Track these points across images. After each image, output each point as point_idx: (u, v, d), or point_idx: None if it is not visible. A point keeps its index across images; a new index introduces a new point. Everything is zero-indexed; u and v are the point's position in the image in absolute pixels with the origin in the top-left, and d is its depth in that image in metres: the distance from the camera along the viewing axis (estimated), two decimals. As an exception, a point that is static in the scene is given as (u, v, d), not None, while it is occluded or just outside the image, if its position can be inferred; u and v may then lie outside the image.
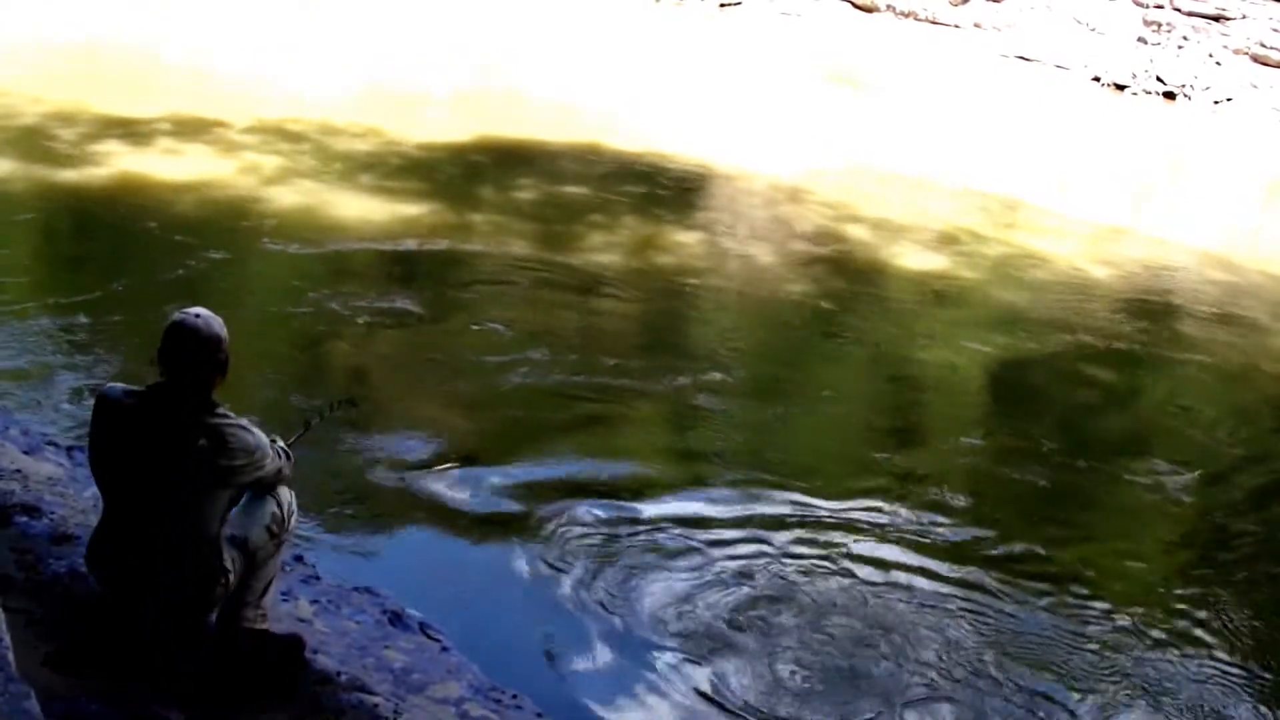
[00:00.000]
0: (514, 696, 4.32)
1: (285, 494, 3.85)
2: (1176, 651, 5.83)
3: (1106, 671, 5.55)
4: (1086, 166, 18.42)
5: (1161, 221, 15.70)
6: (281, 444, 3.88)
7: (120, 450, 3.51)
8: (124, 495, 3.53)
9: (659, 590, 5.58)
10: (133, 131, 11.63)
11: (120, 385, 3.62)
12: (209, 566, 3.52)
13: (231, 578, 3.58)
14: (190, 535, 3.48)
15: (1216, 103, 25.65)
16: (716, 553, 5.97)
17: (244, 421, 3.59)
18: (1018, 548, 6.57)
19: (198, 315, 3.54)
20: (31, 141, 10.90)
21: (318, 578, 4.72)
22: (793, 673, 5.16)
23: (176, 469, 3.45)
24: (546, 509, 6.11)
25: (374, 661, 4.12)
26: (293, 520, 3.91)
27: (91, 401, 6.29)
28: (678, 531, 6.09)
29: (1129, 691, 5.45)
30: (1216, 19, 27.75)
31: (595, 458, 6.77)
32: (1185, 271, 13.34)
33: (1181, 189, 18.29)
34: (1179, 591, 6.48)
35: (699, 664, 5.14)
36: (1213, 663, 5.78)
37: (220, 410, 3.53)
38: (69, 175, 10.18)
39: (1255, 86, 26.18)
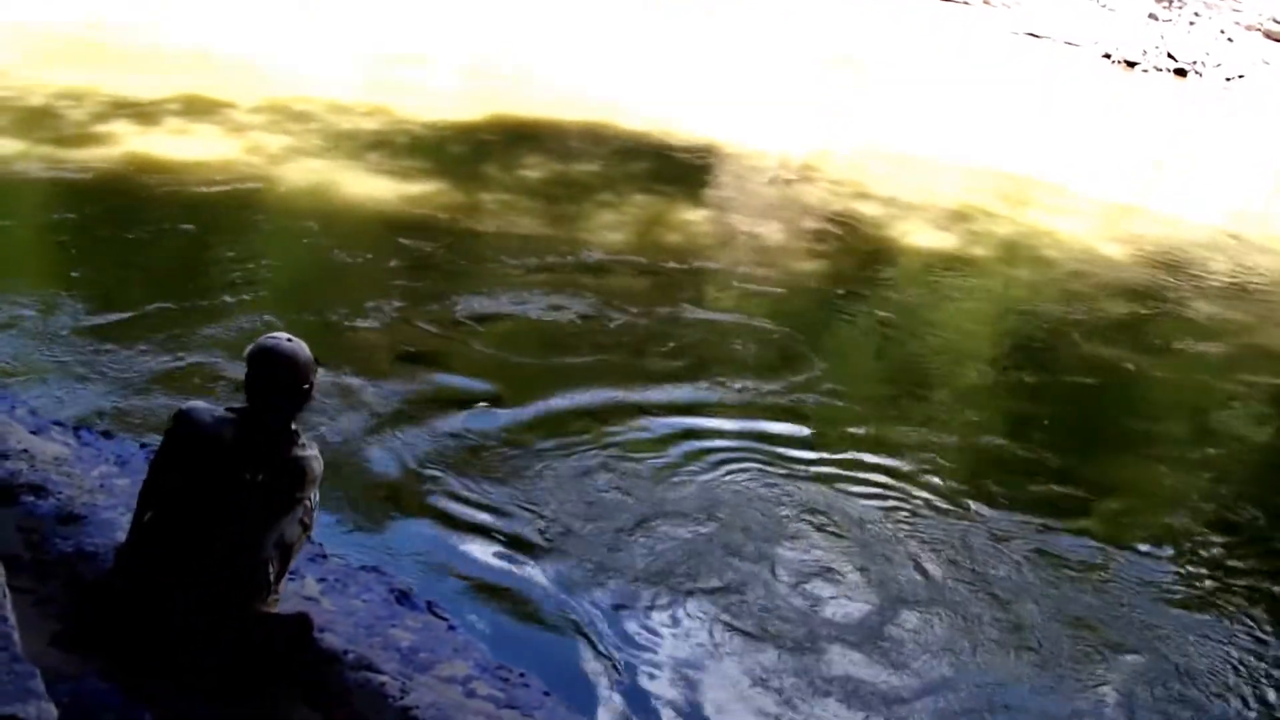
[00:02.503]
0: (521, 675, 4.31)
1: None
2: (1180, 615, 5.88)
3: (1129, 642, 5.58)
4: (1097, 144, 18.31)
5: (1172, 199, 15.62)
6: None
7: (198, 473, 3.43)
8: (185, 514, 3.45)
9: (672, 567, 5.58)
10: (141, 112, 11.62)
11: (205, 407, 3.53)
12: (256, 584, 3.51)
13: (273, 579, 3.57)
14: (246, 557, 3.47)
15: (1228, 80, 25.47)
16: (728, 528, 5.96)
17: (315, 450, 3.57)
18: (1027, 519, 6.58)
19: (289, 341, 3.48)
20: (40, 122, 10.88)
21: (324, 556, 4.71)
22: (817, 637, 5.17)
23: (254, 500, 3.41)
24: (555, 487, 6.10)
25: (381, 640, 4.10)
26: (317, 509, 3.91)
27: (100, 385, 6.40)
28: (692, 508, 6.09)
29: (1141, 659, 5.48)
30: (1229, -6, 27.56)
31: (603, 438, 6.75)
32: (1196, 250, 13.27)
33: (1193, 167, 18.18)
34: (1182, 559, 6.52)
35: (713, 638, 5.15)
36: (1222, 628, 5.81)
37: (302, 441, 3.50)
38: (78, 155, 10.17)
39: (1267, 63, 25.99)
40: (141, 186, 9.68)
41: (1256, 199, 16.76)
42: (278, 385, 3.44)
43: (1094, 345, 9.64)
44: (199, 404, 3.57)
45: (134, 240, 8.74)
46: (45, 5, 15.45)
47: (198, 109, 12.05)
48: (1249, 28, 27.00)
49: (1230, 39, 26.66)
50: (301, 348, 3.49)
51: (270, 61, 14.81)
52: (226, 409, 3.53)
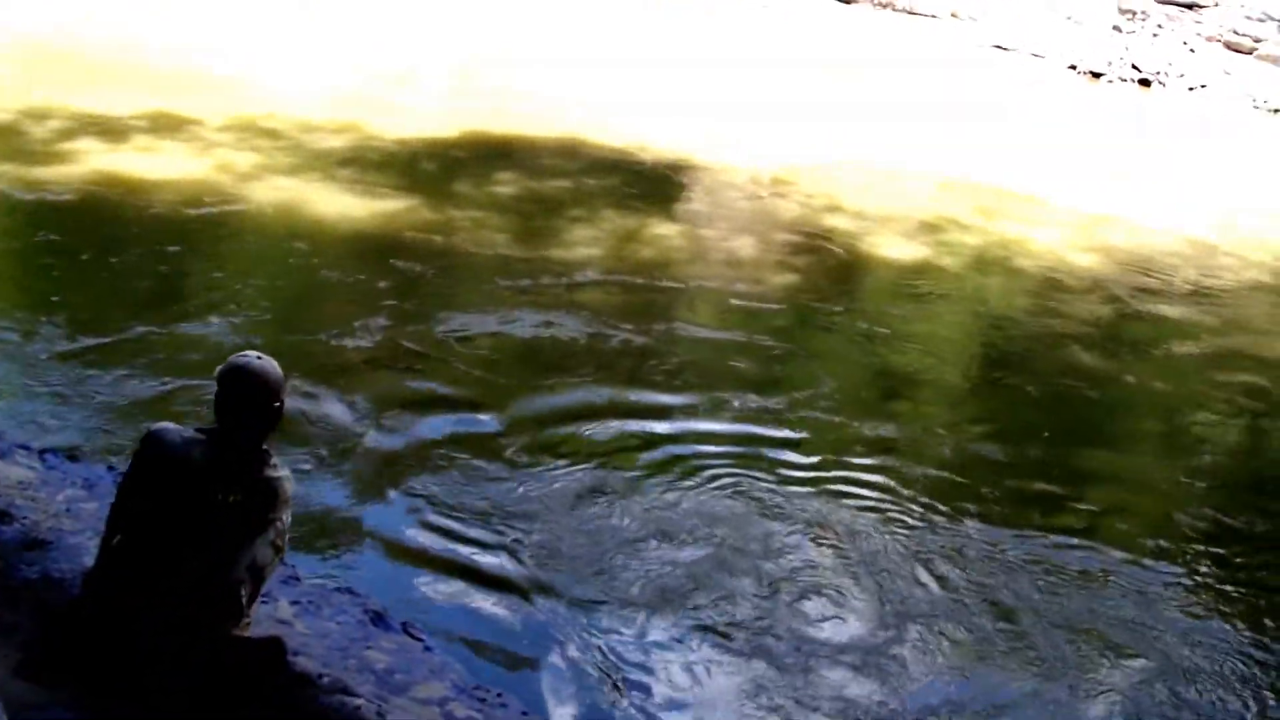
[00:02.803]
0: (499, 695, 4.26)
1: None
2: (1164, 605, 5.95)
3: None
4: (1065, 154, 18.42)
5: (1140, 207, 15.71)
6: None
7: (167, 495, 3.36)
8: (159, 537, 3.38)
9: (659, 585, 5.53)
10: (107, 129, 11.49)
11: (174, 428, 3.48)
12: (228, 607, 3.44)
13: (244, 602, 3.49)
14: (217, 580, 3.39)
15: (1191, 89, 25.72)
16: (717, 544, 5.93)
17: (286, 471, 3.51)
18: (1022, 526, 6.64)
19: (259, 359, 3.44)
20: (4, 139, 10.76)
21: (298, 579, 4.64)
22: (788, 658, 5.13)
23: (225, 521, 3.34)
24: (540, 505, 6.05)
25: (356, 663, 4.04)
26: (289, 532, 3.84)
27: (64, 407, 6.29)
28: (670, 522, 6.05)
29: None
30: (1190, 7, 27.90)
31: (588, 455, 6.69)
32: (1165, 257, 13.36)
33: (1159, 175, 18.30)
34: (1178, 561, 6.59)
35: (701, 656, 5.10)
36: (1222, 629, 5.85)
37: (273, 461, 3.45)
38: (42, 173, 10.05)
39: (1228, 73, 26.27)
40: (115, 206, 9.57)
41: (1221, 206, 16.88)
42: (248, 404, 3.39)
43: (1074, 353, 9.69)
44: (168, 425, 3.51)
45: (109, 261, 8.62)
46: (11, 15, 15.29)
47: (166, 125, 11.93)
48: (1210, 39, 27.31)
49: (1192, 50, 26.95)
50: (271, 365, 3.45)
51: (241, 77, 14.69)
52: (196, 429, 3.47)
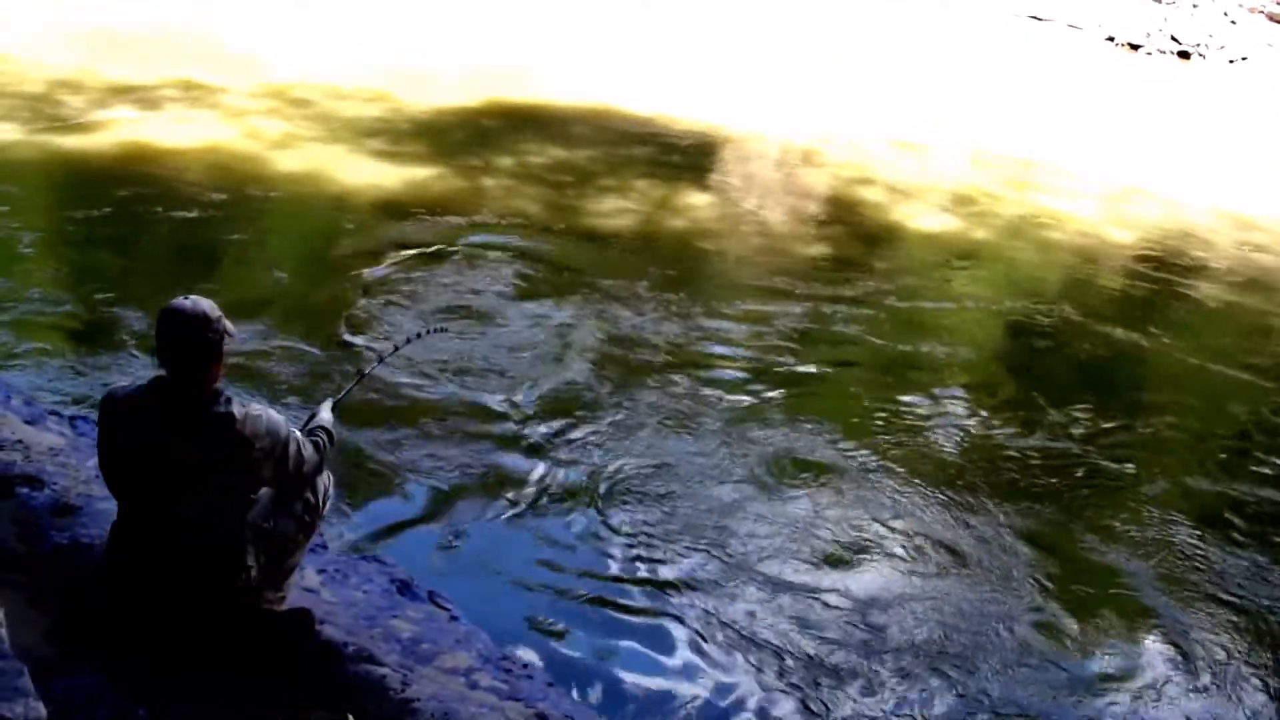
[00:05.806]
0: (524, 666, 4.26)
1: (322, 481, 3.73)
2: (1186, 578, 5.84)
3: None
4: (1101, 127, 18.20)
5: (1177, 181, 15.51)
6: (328, 419, 3.82)
7: (128, 451, 3.37)
8: (137, 496, 3.40)
9: (680, 556, 5.52)
10: (140, 98, 11.55)
11: (124, 384, 3.49)
12: (228, 564, 3.43)
13: (254, 572, 3.49)
14: (208, 531, 3.38)
15: (1231, 62, 25.32)
16: (735, 518, 5.91)
17: (256, 408, 3.46)
18: (1026, 501, 6.58)
19: (185, 298, 3.40)
20: (39, 108, 10.81)
21: (325, 547, 4.65)
22: (815, 633, 5.12)
23: (187, 465, 3.32)
24: (559, 476, 6.05)
25: (382, 632, 4.04)
26: (327, 506, 3.80)
27: (97, 374, 6.32)
28: (699, 501, 6.03)
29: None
30: (1232, -24, 27.40)
31: (608, 426, 6.68)
32: (1200, 231, 13.19)
33: (1197, 149, 18.04)
34: (1185, 532, 6.54)
35: (720, 631, 5.09)
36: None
37: (225, 397, 3.39)
38: (76, 142, 10.10)
39: (1271, 45, 25.83)
40: (136, 173, 9.59)
41: (1259, 180, 16.64)
42: (181, 341, 3.34)
43: (1103, 325, 9.57)
44: (118, 385, 3.52)
45: (143, 231, 8.66)
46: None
47: (197, 94, 11.98)
48: (1252, 10, 26.83)
49: (1233, 21, 26.50)
50: (197, 302, 3.38)
51: (271, 48, 14.71)
52: (146, 381, 3.45)
